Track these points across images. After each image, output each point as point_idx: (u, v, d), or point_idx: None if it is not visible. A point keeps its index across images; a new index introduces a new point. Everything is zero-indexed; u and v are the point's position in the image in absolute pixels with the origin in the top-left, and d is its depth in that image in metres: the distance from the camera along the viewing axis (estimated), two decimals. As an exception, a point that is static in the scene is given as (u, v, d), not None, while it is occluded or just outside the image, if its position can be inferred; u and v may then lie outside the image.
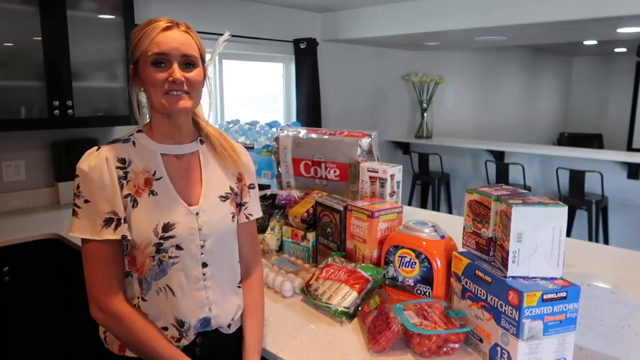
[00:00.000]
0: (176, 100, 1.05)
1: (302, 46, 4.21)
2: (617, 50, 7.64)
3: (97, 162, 1.04)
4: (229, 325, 1.18)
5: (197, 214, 1.10)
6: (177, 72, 1.04)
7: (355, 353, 1.25)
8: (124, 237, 1.05)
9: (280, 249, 1.93)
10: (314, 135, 2.01)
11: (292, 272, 1.69)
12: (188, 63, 1.06)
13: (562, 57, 8.89)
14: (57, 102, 2.53)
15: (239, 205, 1.23)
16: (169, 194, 1.09)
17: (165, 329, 1.09)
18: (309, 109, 4.30)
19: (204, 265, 1.11)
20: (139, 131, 1.13)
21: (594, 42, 6.04)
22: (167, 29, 1.05)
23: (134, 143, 1.11)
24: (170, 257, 1.07)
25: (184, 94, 1.06)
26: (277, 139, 2.10)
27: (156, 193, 1.08)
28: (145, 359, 1.08)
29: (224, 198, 1.17)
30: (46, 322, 2.36)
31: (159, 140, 1.12)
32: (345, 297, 1.42)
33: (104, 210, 1.03)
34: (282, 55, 4.25)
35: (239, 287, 1.22)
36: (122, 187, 1.05)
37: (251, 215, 1.25)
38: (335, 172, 1.95)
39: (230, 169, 1.20)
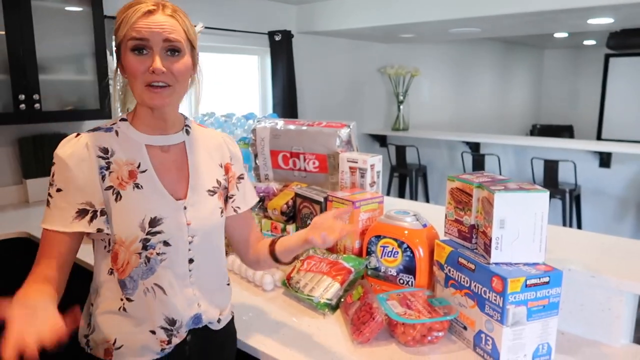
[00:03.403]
0: (156, 96, 0.97)
1: (277, 38, 4.16)
2: (586, 42, 7.79)
3: (75, 149, 0.97)
4: (218, 320, 1.13)
5: (185, 208, 1.04)
6: (158, 62, 0.95)
7: (339, 345, 1.23)
8: (99, 230, 0.98)
9: (260, 242, 1.90)
10: (291, 127, 1.98)
11: (273, 266, 1.66)
12: (172, 49, 0.97)
13: (534, 49, 9.03)
14: (23, 96, 2.43)
15: (227, 199, 1.17)
16: (155, 187, 1.02)
17: (153, 332, 1.03)
18: (285, 102, 4.25)
19: (191, 261, 1.06)
20: (122, 120, 1.05)
21: (565, 34, 6.15)
22: (149, 12, 0.96)
23: (117, 132, 1.03)
24: (158, 254, 1.01)
25: (166, 87, 0.97)
26: (254, 131, 2.06)
27: (141, 186, 1.01)
28: None
29: (212, 192, 1.10)
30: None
31: (144, 130, 1.04)
32: (327, 288, 1.40)
33: (78, 200, 0.96)
34: (257, 47, 4.19)
35: (228, 284, 1.18)
36: (103, 178, 0.98)
37: (239, 208, 1.18)
38: (314, 163, 1.92)
39: (217, 159, 1.15)
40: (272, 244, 1.20)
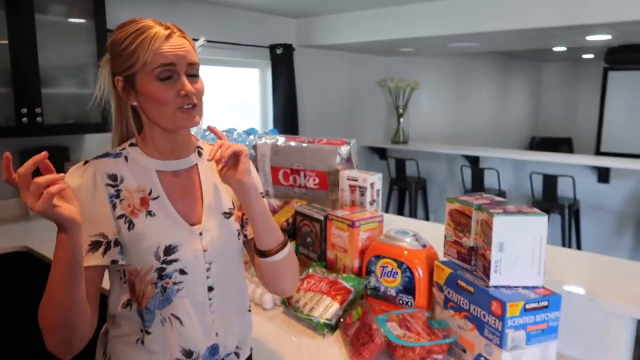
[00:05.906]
0: (189, 117, 0.97)
1: (278, 52, 4.19)
2: (585, 56, 7.85)
3: (83, 180, 0.95)
4: (237, 354, 1.09)
5: (200, 233, 1.01)
6: (188, 85, 0.95)
7: (338, 366, 1.23)
8: (114, 262, 0.94)
9: (259, 259, 1.90)
10: (292, 143, 1.99)
11: (272, 283, 1.66)
12: (193, 74, 0.98)
13: (532, 62, 9.09)
14: (25, 109, 2.44)
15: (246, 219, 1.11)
16: (169, 213, 0.99)
17: None
18: (286, 115, 4.27)
19: (210, 289, 1.02)
20: (132, 145, 1.03)
21: (564, 48, 6.20)
22: (169, 37, 0.95)
23: (126, 158, 1.01)
24: (174, 284, 0.97)
25: (194, 107, 0.97)
26: (255, 147, 2.07)
27: (154, 213, 0.98)
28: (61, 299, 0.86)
29: (228, 215, 1.06)
30: (14, 340, 2.26)
31: (155, 156, 1.02)
32: (327, 308, 1.40)
33: (91, 232, 0.93)
34: (258, 60, 4.21)
35: (249, 311, 1.14)
36: (114, 206, 0.96)
37: None
38: (314, 180, 1.93)
39: None
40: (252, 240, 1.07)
